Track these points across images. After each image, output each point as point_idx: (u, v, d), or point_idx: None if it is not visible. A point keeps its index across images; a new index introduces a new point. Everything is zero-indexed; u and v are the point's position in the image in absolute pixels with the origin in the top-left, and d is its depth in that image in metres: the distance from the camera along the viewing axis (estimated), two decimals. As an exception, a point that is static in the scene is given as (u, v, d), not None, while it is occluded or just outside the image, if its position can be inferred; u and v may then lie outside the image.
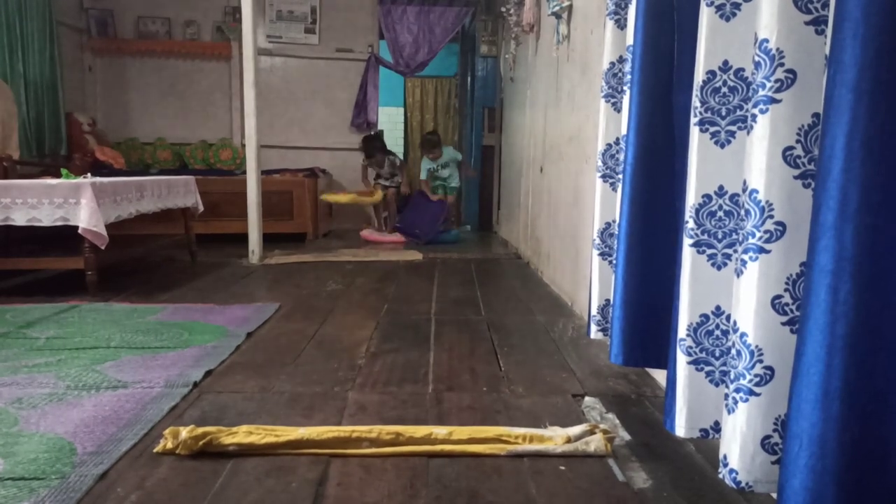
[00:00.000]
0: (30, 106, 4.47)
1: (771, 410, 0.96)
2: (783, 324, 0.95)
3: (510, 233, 4.84)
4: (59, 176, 2.92)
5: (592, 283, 1.76)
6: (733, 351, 0.99)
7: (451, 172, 5.35)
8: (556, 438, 1.34)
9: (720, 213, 1.13)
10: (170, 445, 1.29)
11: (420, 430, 1.36)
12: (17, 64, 4.33)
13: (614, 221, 1.65)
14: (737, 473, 0.98)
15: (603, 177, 1.73)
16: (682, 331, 1.16)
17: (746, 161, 0.96)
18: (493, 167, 5.96)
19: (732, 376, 0.99)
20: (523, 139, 4.26)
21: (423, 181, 5.37)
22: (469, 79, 6.54)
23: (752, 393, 0.96)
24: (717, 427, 1.16)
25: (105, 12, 5.44)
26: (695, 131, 1.12)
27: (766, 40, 0.92)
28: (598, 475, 1.23)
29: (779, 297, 0.94)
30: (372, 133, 5.61)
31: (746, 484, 0.98)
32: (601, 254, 1.73)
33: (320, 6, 5.67)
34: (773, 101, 0.92)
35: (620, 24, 1.65)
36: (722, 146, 1.11)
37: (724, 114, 1.11)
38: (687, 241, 1.14)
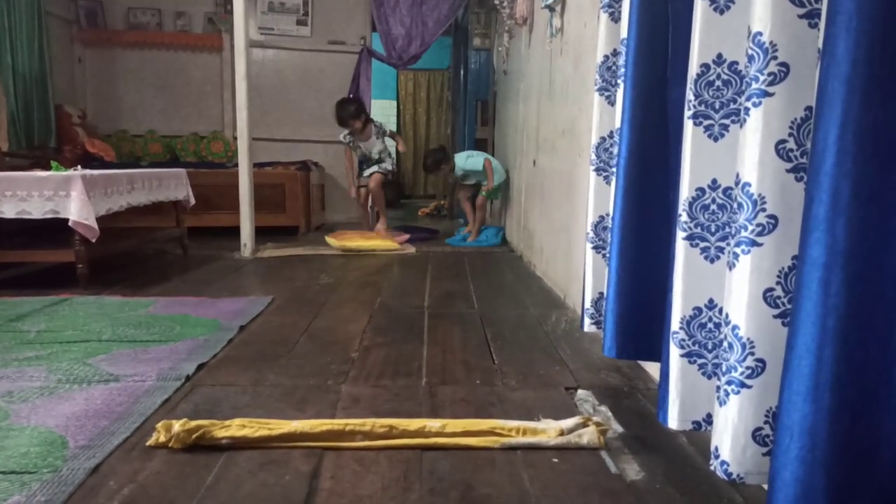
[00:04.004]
0: (18, 98, 4.43)
1: (762, 403, 0.96)
2: (775, 317, 0.95)
3: (503, 226, 4.84)
4: (48, 168, 2.90)
5: (586, 277, 1.76)
6: (725, 344, 1.00)
7: (480, 180, 4.54)
8: (549, 431, 1.34)
9: (713, 207, 1.13)
10: (162, 439, 1.28)
11: (414, 424, 1.36)
12: (5, 55, 4.28)
13: (608, 215, 1.65)
14: (728, 465, 0.99)
15: (596, 170, 1.73)
16: (675, 324, 1.17)
17: (739, 154, 0.96)
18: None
19: (724, 369, 0.99)
20: (516, 132, 4.25)
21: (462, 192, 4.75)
22: (462, 72, 6.52)
23: (743, 385, 0.97)
24: (709, 419, 1.17)
25: (94, 3, 5.38)
26: (689, 125, 1.12)
27: (760, 33, 0.92)
28: (591, 467, 1.24)
29: (770, 290, 0.95)
30: (349, 96, 4.62)
31: (738, 475, 0.99)
32: (595, 247, 1.73)
33: (312, -2, 5.64)
34: (767, 94, 0.92)
35: (614, 17, 1.64)
36: (715, 139, 1.12)
37: (717, 107, 1.11)
38: (680, 235, 1.15)
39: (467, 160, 4.54)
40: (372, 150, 4.57)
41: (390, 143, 4.77)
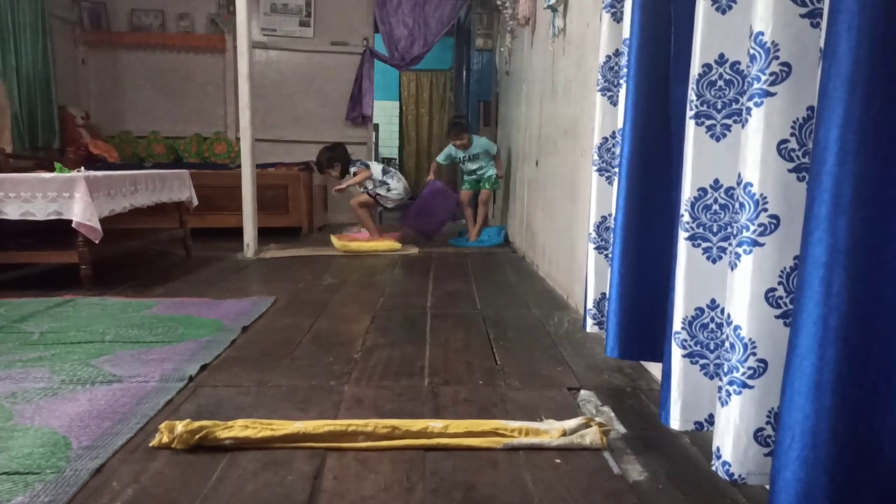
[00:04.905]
0: (22, 100, 4.44)
1: (764, 403, 0.96)
2: (777, 317, 0.95)
3: (505, 226, 4.84)
4: (52, 170, 2.91)
5: (588, 277, 1.76)
6: (727, 344, 0.99)
7: (483, 165, 4.62)
8: (551, 432, 1.34)
9: (715, 207, 1.13)
10: (165, 439, 1.29)
11: (416, 424, 1.36)
12: (9, 57, 4.30)
13: (610, 215, 1.65)
14: (730, 465, 0.99)
15: (599, 170, 1.73)
16: (677, 324, 1.16)
17: (741, 154, 0.96)
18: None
19: (726, 369, 0.99)
20: (519, 133, 4.25)
21: (434, 164, 4.76)
22: (464, 72, 6.53)
23: (745, 385, 0.96)
24: (711, 420, 1.17)
25: (98, 5, 5.40)
26: (691, 125, 1.12)
27: (762, 33, 0.92)
28: (594, 468, 1.24)
29: (772, 290, 0.95)
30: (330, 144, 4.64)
31: (739, 476, 0.98)
32: (597, 247, 1.73)
33: (315, -1, 5.65)
34: (768, 94, 0.92)
35: (617, 17, 1.64)
36: (717, 140, 1.12)
37: (719, 107, 1.11)
38: (682, 235, 1.15)
39: (479, 140, 4.62)
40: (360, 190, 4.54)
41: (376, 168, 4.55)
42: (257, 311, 2.42)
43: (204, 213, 4.34)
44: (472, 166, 4.64)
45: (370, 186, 4.44)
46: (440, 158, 4.72)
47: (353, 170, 4.46)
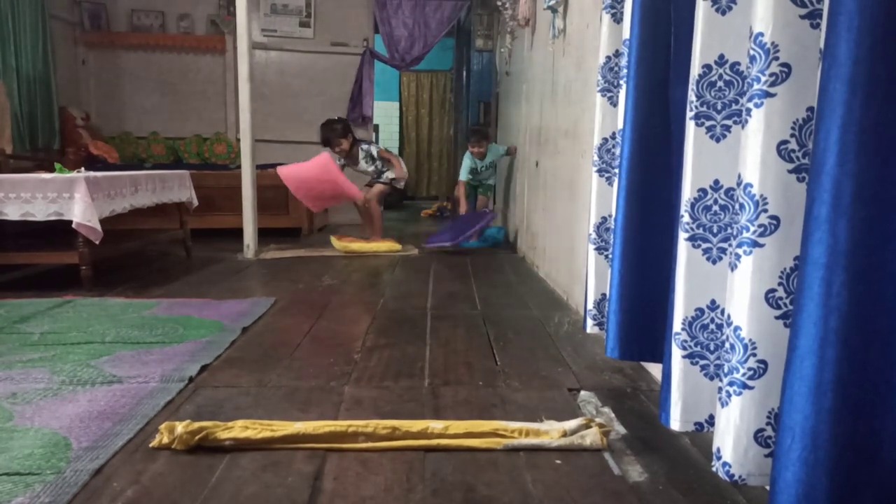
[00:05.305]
0: (23, 100, 4.45)
1: (764, 404, 0.96)
2: (777, 318, 0.95)
3: (505, 227, 4.84)
4: (52, 170, 2.91)
5: (588, 278, 1.76)
6: (727, 345, 0.99)
7: (491, 172, 4.66)
8: (552, 432, 1.34)
9: (715, 208, 1.13)
10: (166, 440, 1.29)
11: (416, 425, 1.36)
12: (9, 58, 4.30)
13: (610, 216, 1.65)
14: (730, 466, 0.99)
15: (599, 171, 1.73)
16: (677, 325, 1.16)
17: (741, 155, 0.96)
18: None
19: (726, 370, 0.99)
20: (519, 134, 4.25)
21: (462, 183, 4.58)
22: (465, 73, 6.54)
23: (745, 386, 0.96)
24: (711, 420, 1.17)
25: (98, 5, 5.40)
26: (690, 125, 1.12)
27: (762, 34, 0.92)
28: (594, 469, 1.24)
29: (772, 290, 0.95)
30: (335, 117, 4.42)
31: (739, 477, 0.98)
32: (597, 248, 1.73)
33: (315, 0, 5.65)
34: (768, 94, 0.92)
35: (617, 18, 1.64)
36: (717, 140, 1.12)
37: (719, 108, 1.11)
38: (682, 236, 1.15)
39: (490, 147, 4.60)
40: (358, 167, 4.35)
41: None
42: (257, 312, 2.42)
43: (204, 214, 4.33)
44: (486, 174, 4.61)
45: (379, 165, 4.30)
46: (463, 177, 4.58)
47: (373, 150, 4.28)
